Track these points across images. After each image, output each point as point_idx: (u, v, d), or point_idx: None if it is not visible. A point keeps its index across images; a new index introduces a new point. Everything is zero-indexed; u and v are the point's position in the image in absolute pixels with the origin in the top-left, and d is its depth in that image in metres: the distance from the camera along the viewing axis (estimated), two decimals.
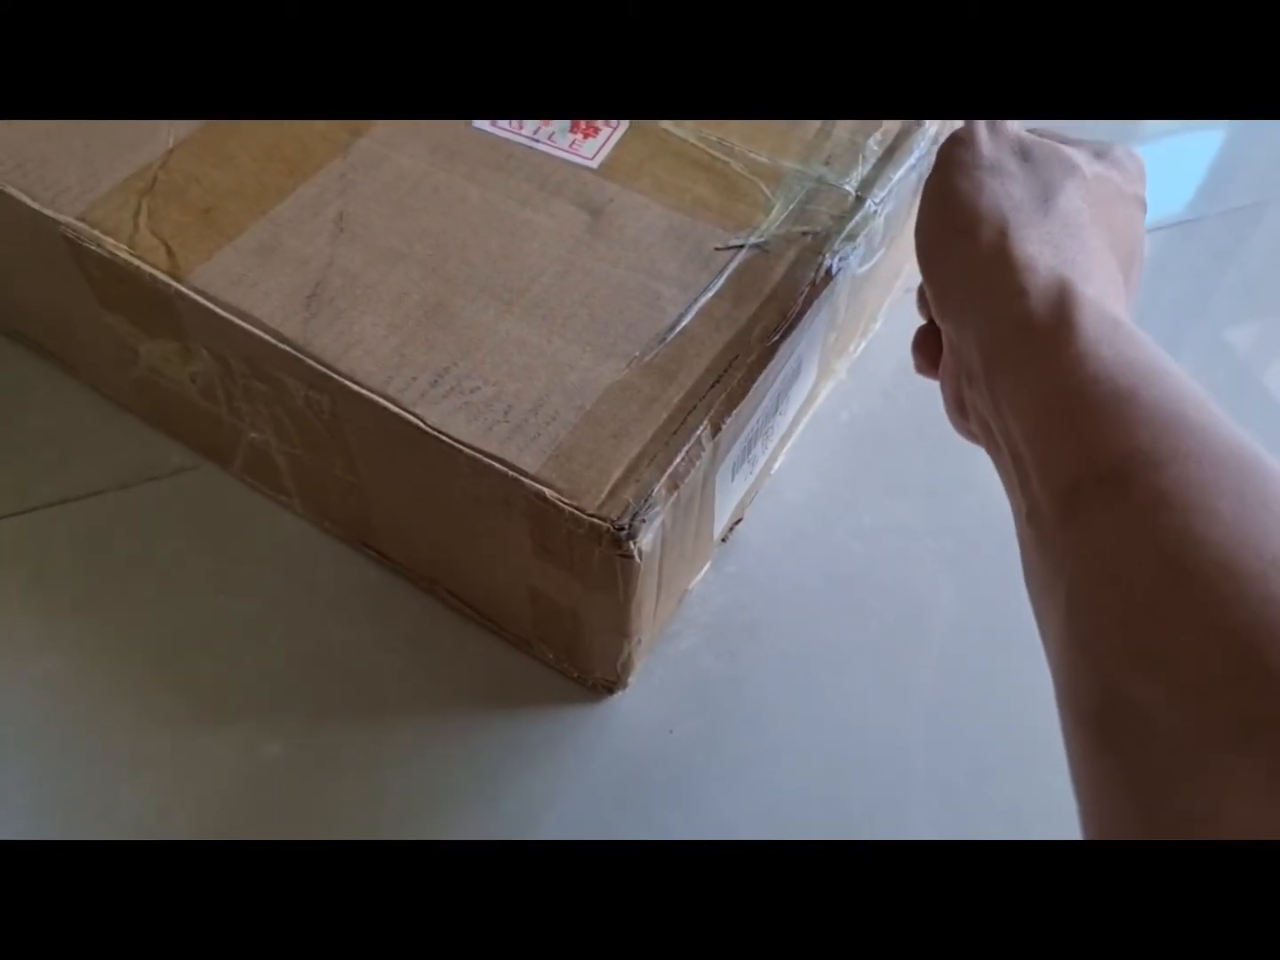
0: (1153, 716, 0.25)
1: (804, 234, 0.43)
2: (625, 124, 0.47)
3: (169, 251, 0.42)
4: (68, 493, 0.51)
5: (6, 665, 0.46)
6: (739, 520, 0.49)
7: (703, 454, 0.38)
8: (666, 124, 0.47)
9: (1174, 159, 0.73)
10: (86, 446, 0.53)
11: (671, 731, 0.45)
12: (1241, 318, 0.63)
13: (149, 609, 0.48)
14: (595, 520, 0.36)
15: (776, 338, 0.41)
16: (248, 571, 0.49)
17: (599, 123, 0.47)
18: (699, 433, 0.38)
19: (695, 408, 0.39)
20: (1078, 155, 0.37)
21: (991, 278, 0.33)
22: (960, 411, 0.37)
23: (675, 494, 0.37)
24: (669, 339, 0.40)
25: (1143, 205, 0.38)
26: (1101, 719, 0.26)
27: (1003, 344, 0.33)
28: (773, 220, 0.44)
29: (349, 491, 0.45)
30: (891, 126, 0.47)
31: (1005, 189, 0.35)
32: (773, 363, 0.41)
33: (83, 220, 0.43)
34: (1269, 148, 0.72)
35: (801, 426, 0.53)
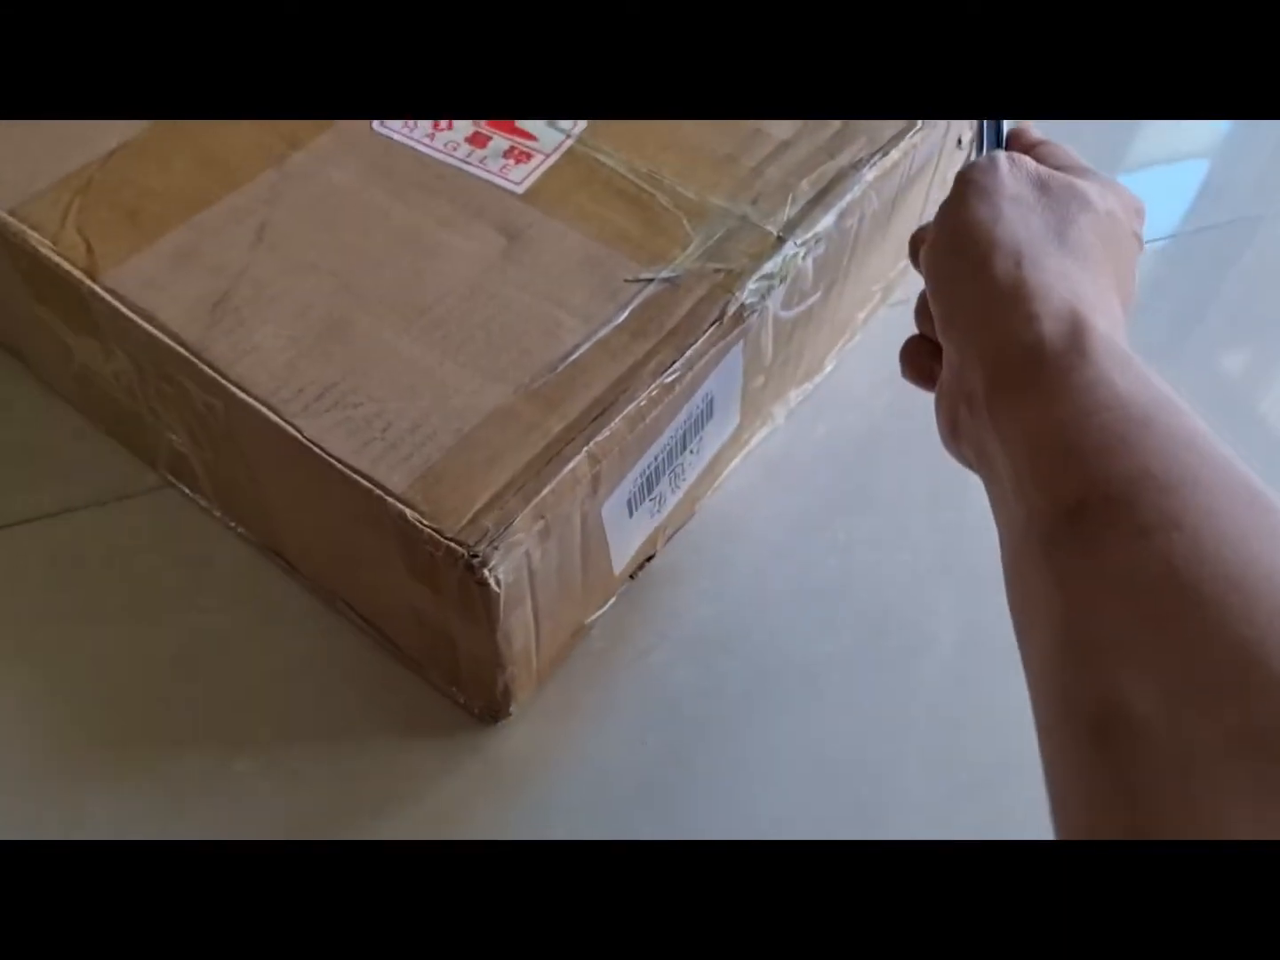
0: (1154, 727, 0.25)
1: (716, 270, 0.43)
2: (559, 151, 0.47)
3: (89, 249, 0.43)
4: (41, 509, 0.52)
5: None
6: (650, 557, 0.49)
7: (578, 486, 0.38)
8: (599, 154, 0.47)
9: (1163, 174, 0.74)
10: (60, 463, 0.53)
11: (645, 743, 0.45)
12: (1232, 334, 0.63)
13: (121, 625, 0.48)
14: (452, 545, 0.36)
15: (672, 374, 0.40)
16: (207, 588, 0.49)
17: (532, 148, 0.47)
18: (574, 464, 0.38)
19: (574, 439, 0.38)
20: (1091, 190, 0.37)
21: (1004, 302, 0.34)
22: (953, 432, 0.37)
23: (541, 523, 0.37)
24: (560, 368, 0.40)
25: (1140, 243, 0.39)
26: (1101, 730, 0.26)
27: (1011, 366, 0.33)
28: (688, 255, 0.44)
29: (253, 499, 0.46)
30: (827, 170, 0.47)
31: (1024, 219, 0.36)
32: (669, 399, 0.40)
33: (13, 215, 0.44)
34: (1256, 163, 0.72)
35: (731, 468, 0.52)
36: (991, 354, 0.34)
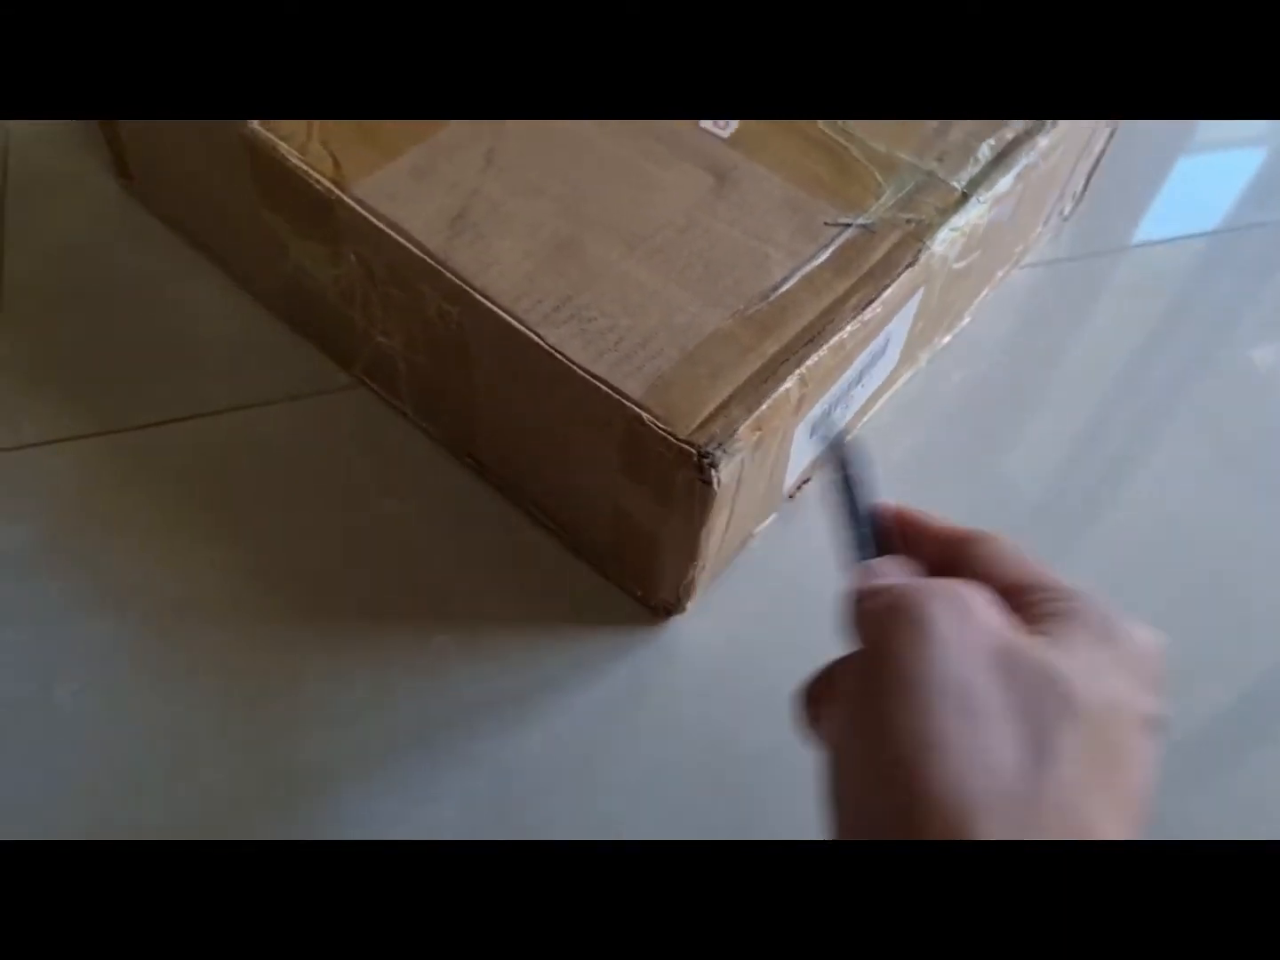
0: None
1: (908, 220, 0.47)
2: None
3: (335, 163, 0.47)
4: (240, 400, 0.56)
5: (193, 554, 0.51)
6: (808, 480, 0.53)
7: (788, 404, 0.42)
8: None
9: (1215, 167, 0.76)
10: (256, 358, 0.58)
11: (799, 652, 0.48)
12: (1267, 336, 0.66)
13: (319, 510, 0.53)
14: (684, 446, 0.40)
15: (869, 310, 0.44)
16: (396, 481, 0.54)
17: None
18: (787, 385, 0.42)
19: (787, 360, 0.42)
20: (1075, 674, 0.25)
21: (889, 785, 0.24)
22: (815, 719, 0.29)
23: (758, 435, 0.41)
24: (772, 298, 0.44)
25: (1156, 726, 0.26)
26: None
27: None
28: (882, 204, 0.48)
29: (461, 402, 0.50)
30: (1005, 134, 0.51)
31: (976, 743, 0.24)
32: (863, 332, 0.45)
33: (263, 125, 0.48)
34: None
35: (878, 406, 0.56)
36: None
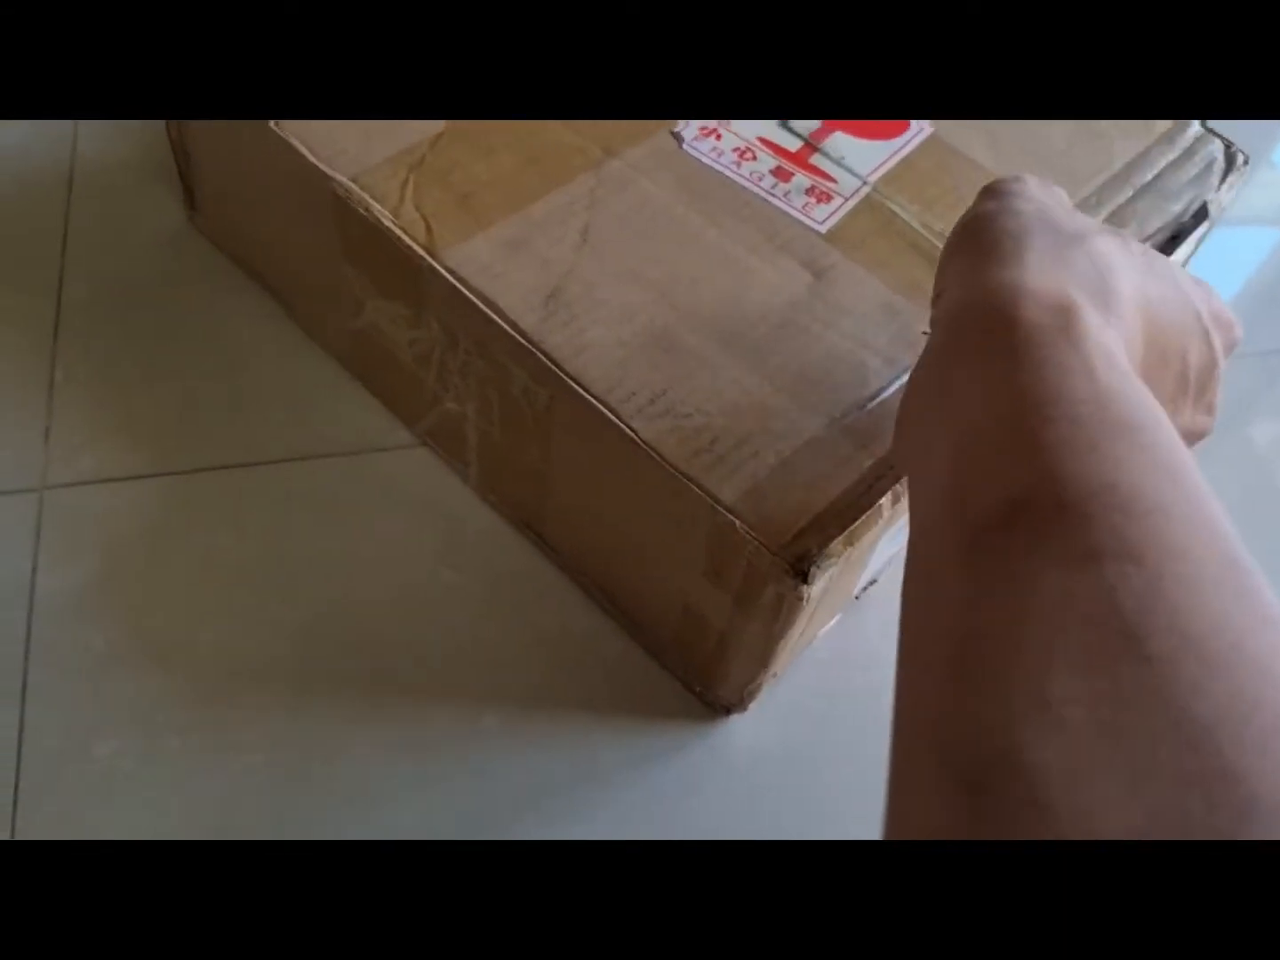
0: (1050, 791, 0.20)
1: None
2: (857, 196, 0.50)
3: (428, 228, 0.46)
4: (298, 451, 0.55)
5: (243, 609, 0.50)
6: (874, 580, 0.52)
7: (879, 520, 0.41)
8: (893, 205, 0.50)
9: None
10: (317, 407, 0.57)
11: (861, 756, 0.47)
12: None
13: (376, 573, 0.51)
14: (777, 558, 0.39)
15: None
16: (455, 549, 0.53)
17: (832, 190, 0.50)
18: (882, 501, 0.41)
19: (883, 476, 0.41)
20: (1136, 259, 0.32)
21: (989, 265, 0.30)
22: (906, 415, 0.33)
23: (849, 550, 0.40)
24: (869, 406, 0.43)
25: (1214, 351, 0.33)
26: (977, 783, 0.21)
27: (978, 327, 0.29)
28: None
29: (532, 477, 0.49)
30: None
31: (1042, 223, 0.32)
32: None
33: (355, 182, 0.47)
34: None
35: None
36: (956, 310, 0.30)
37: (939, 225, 0.50)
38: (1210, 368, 0.34)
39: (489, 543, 0.53)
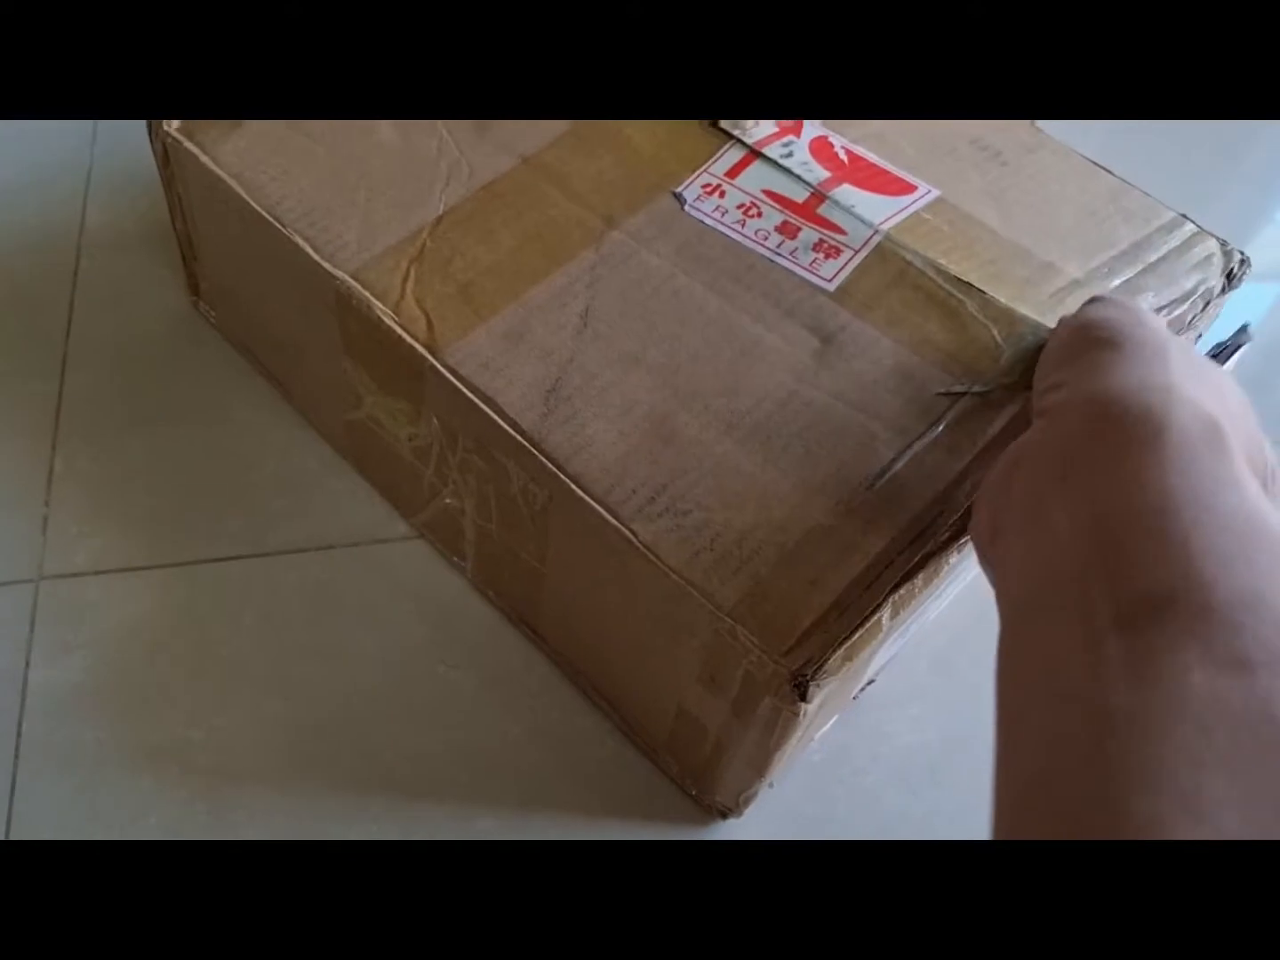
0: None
1: (1028, 387, 0.44)
2: (868, 247, 0.48)
3: (429, 324, 0.46)
4: (297, 543, 0.55)
5: (239, 704, 0.50)
6: (872, 681, 0.51)
7: (879, 632, 0.40)
8: (906, 254, 0.48)
9: None
10: (315, 497, 0.57)
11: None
12: None
13: (372, 670, 0.52)
14: (777, 667, 0.38)
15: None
16: (451, 644, 0.53)
17: (841, 242, 0.48)
18: (882, 615, 0.39)
19: (892, 563, 0.40)
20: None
21: (1137, 365, 0.32)
22: (992, 530, 0.34)
23: (849, 664, 0.39)
24: (877, 486, 0.42)
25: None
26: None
27: (1122, 424, 0.30)
28: (1000, 368, 0.45)
29: (528, 574, 0.49)
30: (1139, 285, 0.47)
31: (1175, 337, 0.35)
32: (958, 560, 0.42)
33: (356, 279, 0.47)
34: None
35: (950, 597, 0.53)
36: (1087, 402, 0.31)
37: (955, 270, 0.47)
38: (1275, 466, 0.34)
39: (486, 637, 0.53)
